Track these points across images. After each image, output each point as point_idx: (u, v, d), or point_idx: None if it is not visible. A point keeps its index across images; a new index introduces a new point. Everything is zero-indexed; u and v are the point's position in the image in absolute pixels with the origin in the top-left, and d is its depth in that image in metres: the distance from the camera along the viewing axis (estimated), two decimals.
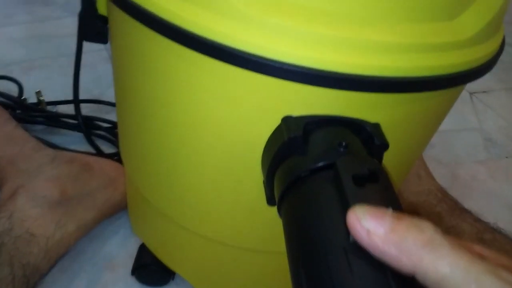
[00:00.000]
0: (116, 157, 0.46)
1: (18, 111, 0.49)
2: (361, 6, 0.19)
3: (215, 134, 0.23)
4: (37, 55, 0.64)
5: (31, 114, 0.49)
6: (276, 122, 0.21)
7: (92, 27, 0.28)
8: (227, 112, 0.22)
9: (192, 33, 0.19)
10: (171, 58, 0.22)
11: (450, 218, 0.38)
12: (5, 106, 0.50)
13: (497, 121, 0.67)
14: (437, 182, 0.43)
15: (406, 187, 0.41)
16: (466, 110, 0.68)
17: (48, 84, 0.57)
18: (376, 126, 0.22)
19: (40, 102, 0.50)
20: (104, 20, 0.28)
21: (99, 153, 0.45)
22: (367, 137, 0.21)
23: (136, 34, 0.23)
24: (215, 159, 0.24)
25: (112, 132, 0.49)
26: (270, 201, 0.23)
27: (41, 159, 0.38)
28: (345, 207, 0.16)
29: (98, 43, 0.29)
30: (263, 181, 0.24)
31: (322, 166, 0.19)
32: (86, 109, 0.53)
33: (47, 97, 0.52)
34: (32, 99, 0.52)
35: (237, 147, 0.23)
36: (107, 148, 0.48)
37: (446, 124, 0.46)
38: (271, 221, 0.24)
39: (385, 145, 0.21)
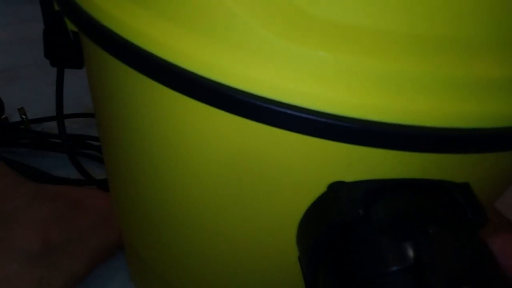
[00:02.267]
0: None
1: None
2: (459, 25, 0.11)
3: (230, 197, 0.17)
4: (21, 62, 0.57)
5: (14, 136, 0.42)
6: (319, 188, 0.15)
7: (61, 49, 0.21)
8: (248, 169, 0.15)
9: (205, 78, 0.12)
10: (166, 105, 0.15)
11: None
12: None
13: None
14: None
15: None
16: None
17: (34, 96, 0.50)
18: (466, 189, 0.15)
19: (23, 121, 0.43)
20: (76, 36, 0.21)
21: (88, 179, 0.38)
22: (454, 206, 0.15)
23: (118, 73, 0.16)
24: (228, 231, 0.18)
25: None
26: (311, 286, 0.17)
27: (19, 199, 0.32)
28: None
29: (71, 68, 0.22)
30: (299, 260, 0.17)
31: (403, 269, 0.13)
32: (77, 124, 0.47)
33: (32, 111, 0.46)
34: (15, 116, 0.45)
35: (257, 217, 0.17)
36: (100, 172, 0.42)
37: None
38: None
39: (482, 219, 0.14)
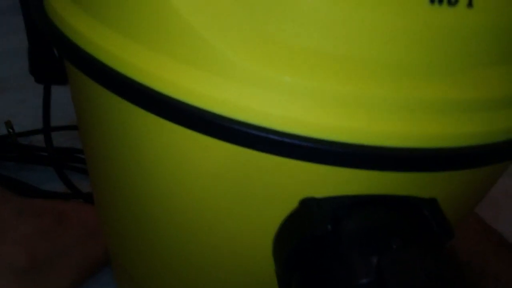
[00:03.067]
0: None
1: None
2: (416, 52, 0.12)
3: (210, 215, 0.17)
4: (9, 74, 0.57)
5: (1, 149, 0.43)
6: (291, 204, 0.15)
7: (45, 66, 0.22)
8: (223, 190, 0.16)
9: (183, 103, 0.13)
10: (146, 127, 0.15)
11: (497, 259, 0.32)
12: None
13: None
14: (474, 211, 0.37)
15: None
16: None
17: (22, 108, 0.50)
18: (433, 204, 0.15)
19: (10, 134, 0.44)
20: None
21: (75, 192, 0.38)
22: (420, 222, 0.15)
23: (99, 98, 0.16)
24: (210, 248, 0.18)
25: None
26: None
27: (6, 215, 0.32)
28: None
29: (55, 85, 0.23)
30: (276, 271, 0.17)
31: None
32: (64, 137, 0.47)
33: (21, 124, 0.46)
34: (1, 129, 0.46)
35: (240, 233, 0.17)
36: (87, 184, 0.42)
37: None
38: None
39: (448, 233, 0.15)
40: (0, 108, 0.49)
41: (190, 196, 0.17)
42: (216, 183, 0.16)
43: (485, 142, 0.13)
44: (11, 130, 0.44)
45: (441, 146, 0.13)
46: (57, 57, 0.21)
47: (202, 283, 0.20)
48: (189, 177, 0.16)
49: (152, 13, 0.13)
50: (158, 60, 0.13)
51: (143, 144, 0.16)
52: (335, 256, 0.14)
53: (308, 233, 0.14)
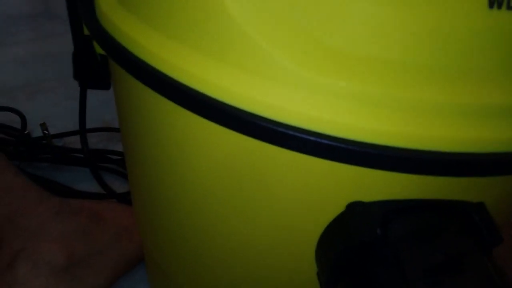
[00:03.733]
0: (129, 196, 0.40)
1: (21, 148, 0.44)
2: (470, 55, 0.12)
3: (258, 221, 0.17)
4: (42, 77, 0.59)
5: (36, 151, 0.44)
6: (338, 207, 0.15)
7: (89, 71, 0.22)
8: (273, 191, 0.16)
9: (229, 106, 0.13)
10: (192, 128, 0.16)
11: None
12: (8, 142, 0.45)
13: None
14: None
15: None
16: None
17: (55, 111, 0.52)
18: (481, 209, 0.15)
19: (45, 136, 0.45)
20: (104, 59, 0.22)
21: (109, 193, 0.39)
22: (469, 227, 0.15)
23: (142, 96, 0.17)
24: (251, 250, 0.18)
25: (123, 164, 0.44)
26: None
27: (44, 214, 0.33)
28: None
29: (99, 89, 0.23)
30: (318, 276, 0.18)
31: None
32: (96, 139, 0.48)
33: (54, 126, 0.47)
34: (36, 130, 0.47)
35: (283, 236, 0.17)
36: (120, 185, 0.43)
37: None
38: None
39: (497, 239, 0.15)
40: (34, 111, 0.50)
41: (231, 198, 0.17)
42: (267, 186, 0.16)
43: None
44: (46, 132, 0.45)
45: (493, 151, 0.13)
46: (99, 62, 0.21)
47: (236, 279, 0.21)
48: (238, 180, 0.16)
49: (206, 19, 0.13)
50: (211, 64, 0.14)
51: (188, 143, 0.16)
52: (384, 261, 0.14)
53: (356, 238, 0.14)
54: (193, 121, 0.15)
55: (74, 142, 0.47)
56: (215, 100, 0.13)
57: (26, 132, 0.46)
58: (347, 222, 0.15)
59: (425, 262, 0.13)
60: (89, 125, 0.47)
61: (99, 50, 0.21)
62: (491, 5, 0.11)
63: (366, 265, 0.14)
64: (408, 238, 0.14)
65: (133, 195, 0.26)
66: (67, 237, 0.32)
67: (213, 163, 0.16)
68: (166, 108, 0.16)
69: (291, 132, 0.13)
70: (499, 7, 0.11)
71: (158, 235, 0.24)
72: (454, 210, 0.15)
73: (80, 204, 0.35)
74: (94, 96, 0.38)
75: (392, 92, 0.12)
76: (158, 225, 0.23)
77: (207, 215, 0.19)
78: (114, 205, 0.37)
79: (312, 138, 0.13)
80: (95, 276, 0.31)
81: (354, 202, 0.15)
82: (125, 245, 0.34)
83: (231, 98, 0.13)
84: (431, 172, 0.13)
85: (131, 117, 0.19)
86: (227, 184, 0.17)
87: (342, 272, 0.15)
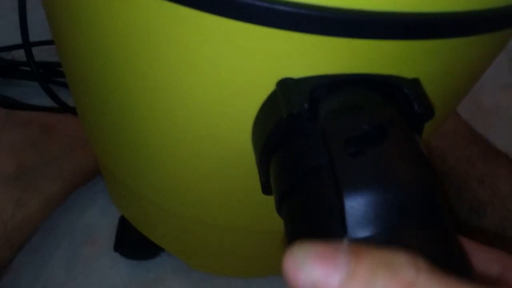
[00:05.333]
0: None
1: None
2: None
3: (189, 102, 0.17)
4: None
5: None
6: (268, 86, 0.15)
7: None
8: (200, 71, 0.15)
9: None
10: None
11: (483, 163, 0.32)
12: None
13: None
14: (464, 119, 0.37)
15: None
16: None
17: (1, 24, 0.48)
18: (416, 84, 0.15)
19: None
20: None
21: (62, 106, 0.38)
22: (401, 101, 0.15)
23: None
24: (193, 137, 0.18)
25: None
26: (265, 190, 0.17)
27: None
28: (336, 189, 0.12)
29: None
30: (255, 159, 0.17)
31: None
32: (47, 52, 0.45)
33: (0, 40, 0.44)
34: None
35: (218, 120, 0.17)
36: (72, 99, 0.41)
37: None
38: (262, 203, 0.19)
39: (429, 113, 0.14)
40: None
41: (173, 81, 0.16)
42: (198, 64, 0.15)
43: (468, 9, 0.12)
44: None
45: (423, 11, 0.12)
46: None
47: (185, 176, 0.20)
48: (174, 60, 0.15)
49: None
50: None
51: (129, 25, 0.15)
52: (310, 135, 0.14)
53: (285, 113, 0.14)
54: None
55: (23, 56, 0.45)
56: None
57: None
58: (277, 99, 0.14)
59: (348, 133, 0.13)
60: (38, 39, 0.44)
61: None
62: None
63: (293, 139, 0.14)
64: (334, 111, 0.14)
65: (77, 105, 0.25)
66: (16, 147, 0.31)
67: (144, 36, 0.15)
68: None
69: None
70: None
71: (103, 139, 0.24)
72: (387, 86, 0.15)
73: (29, 115, 0.34)
74: (40, 11, 0.35)
75: None
76: (100, 128, 0.23)
77: (140, 105, 0.18)
78: (66, 117, 0.36)
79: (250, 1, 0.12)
80: (48, 185, 0.31)
81: (283, 78, 0.14)
82: (78, 156, 0.33)
83: None
84: (356, 33, 0.12)
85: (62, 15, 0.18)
86: (158, 66, 0.16)
87: (273, 149, 0.15)
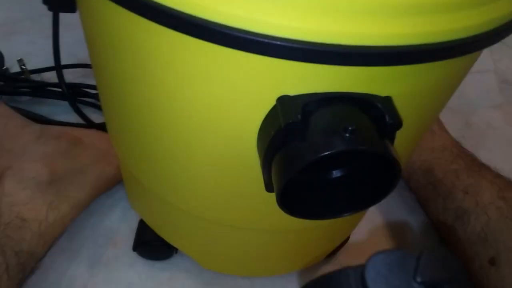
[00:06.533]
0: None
1: (0, 83, 0.46)
2: None
3: (203, 117, 0.20)
4: (18, 16, 0.59)
5: (15, 85, 0.46)
6: (271, 102, 0.19)
7: None
8: (213, 92, 0.19)
9: (164, 6, 0.16)
10: (144, 35, 0.18)
11: (467, 175, 0.36)
12: None
13: None
14: (452, 136, 0.40)
15: (419, 144, 0.39)
16: None
17: (32, 49, 0.53)
18: (387, 101, 0.19)
19: (23, 71, 0.47)
20: None
21: (88, 123, 0.42)
22: (377, 115, 0.18)
23: (103, 10, 0.19)
24: (206, 145, 0.22)
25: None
26: (268, 187, 0.21)
27: (27, 137, 0.36)
28: None
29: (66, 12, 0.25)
30: (260, 164, 0.21)
31: (328, 155, 0.17)
32: (73, 75, 0.50)
33: (31, 64, 0.49)
34: (14, 68, 0.49)
35: (228, 131, 0.21)
36: (97, 117, 0.46)
37: None
38: (270, 204, 0.22)
39: (398, 123, 0.18)
40: (11, 49, 0.51)
41: (185, 101, 0.20)
42: (209, 87, 0.19)
43: (430, 41, 0.16)
44: (23, 67, 0.47)
45: (391, 44, 0.16)
46: None
47: (201, 180, 0.24)
48: (185, 82, 0.19)
49: None
50: None
51: (147, 53, 0.19)
52: (303, 138, 0.17)
53: (283, 122, 0.17)
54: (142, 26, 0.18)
55: (51, 78, 0.49)
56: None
57: (4, 68, 0.47)
58: (277, 111, 0.18)
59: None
60: (64, 63, 0.49)
61: None
62: None
63: (290, 144, 0.18)
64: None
65: (106, 119, 0.29)
66: (49, 157, 0.35)
67: (158, 65, 0.19)
68: (125, 20, 0.18)
69: (225, 31, 0.15)
70: None
71: (127, 144, 0.27)
72: (364, 102, 0.18)
73: (60, 130, 0.38)
74: (67, 36, 0.39)
75: None
76: (126, 134, 0.26)
77: (158, 118, 0.22)
78: (92, 131, 0.40)
79: (250, 37, 0.15)
80: (77, 191, 0.35)
81: (282, 96, 0.18)
82: (104, 166, 0.37)
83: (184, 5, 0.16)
84: (339, 62, 0.16)
85: (91, 33, 0.22)
86: (172, 86, 0.20)
87: (274, 152, 0.19)
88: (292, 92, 0.18)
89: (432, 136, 0.39)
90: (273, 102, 0.18)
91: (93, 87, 0.47)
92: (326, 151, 0.16)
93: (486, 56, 0.62)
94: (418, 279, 0.12)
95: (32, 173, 0.33)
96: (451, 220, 0.35)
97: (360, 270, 0.13)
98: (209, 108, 0.20)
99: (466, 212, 0.34)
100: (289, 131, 0.18)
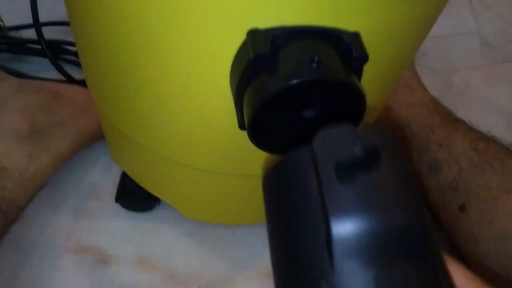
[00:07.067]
0: None
1: None
2: None
3: (176, 51, 0.21)
4: None
5: None
6: (242, 35, 0.19)
7: None
8: (185, 23, 0.19)
9: None
10: None
11: (442, 129, 0.37)
12: None
13: (496, 22, 0.63)
14: (429, 93, 0.41)
15: (397, 100, 0.39)
16: (464, 12, 0.64)
17: (10, 6, 0.52)
18: (355, 36, 0.19)
19: (0, 28, 0.46)
20: None
21: (69, 79, 0.42)
22: (344, 49, 0.19)
23: None
24: (181, 82, 0.22)
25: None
26: (242, 125, 0.22)
27: (5, 91, 0.35)
28: (324, 216, 0.12)
29: None
30: (233, 98, 0.21)
31: (294, 85, 0.17)
32: (53, 33, 0.49)
33: (9, 21, 0.48)
34: None
35: (202, 66, 0.21)
36: (78, 74, 0.45)
37: (441, 29, 0.43)
38: (247, 145, 0.23)
39: (364, 57, 0.19)
40: None
41: (158, 30, 0.20)
42: (181, 17, 0.19)
43: None
44: (1, 23, 0.46)
45: None
46: None
47: (174, 119, 0.25)
48: (159, 12, 0.19)
49: None
50: None
51: None
52: (272, 71, 0.18)
53: (252, 54, 0.18)
54: None
55: (30, 35, 0.49)
56: None
57: None
58: (247, 45, 0.18)
59: (339, 158, 0.14)
60: (45, 20, 0.48)
61: None
62: None
63: (259, 76, 0.18)
64: (326, 136, 0.15)
65: (82, 59, 0.29)
66: (29, 109, 0.35)
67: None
68: None
69: None
70: None
71: (105, 91, 0.27)
72: (332, 37, 0.19)
73: (40, 83, 0.38)
74: None
75: None
76: (102, 77, 0.26)
77: (134, 54, 0.22)
78: (73, 86, 0.40)
79: None
80: (57, 143, 0.35)
81: (252, 29, 0.18)
82: (84, 120, 0.37)
83: None
84: None
85: None
86: (146, 17, 0.20)
87: (245, 85, 0.19)
88: (262, 26, 0.18)
89: (410, 92, 0.40)
90: (243, 36, 0.19)
91: (74, 44, 0.47)
92: (293, 80, 0.17)
93: (469, 19, 0.62)
94: (358, 145, 0.13)
95: (11, 124, 0.33)
96: (425, 171, 0.36)
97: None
98: (181, 40, 0.20)
99: (439, 163, 0.36)
100: (258, 63, 0.18)
